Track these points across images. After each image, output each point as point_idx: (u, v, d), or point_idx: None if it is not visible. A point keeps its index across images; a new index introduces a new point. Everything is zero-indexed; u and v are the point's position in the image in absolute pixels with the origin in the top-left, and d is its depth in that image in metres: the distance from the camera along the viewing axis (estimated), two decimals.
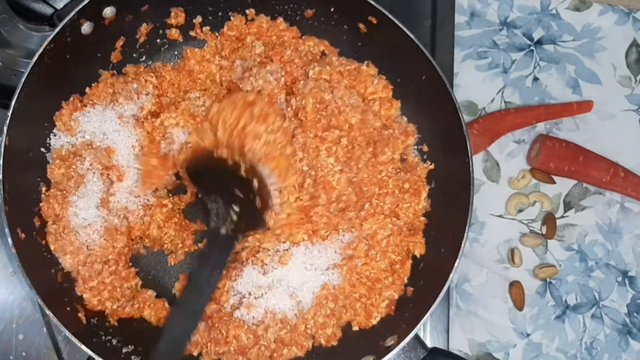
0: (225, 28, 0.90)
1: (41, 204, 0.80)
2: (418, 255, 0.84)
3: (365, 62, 0.88)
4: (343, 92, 0.85)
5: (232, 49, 0.90)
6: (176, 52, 0.91)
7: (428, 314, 0.76)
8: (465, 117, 0.94)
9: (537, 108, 1.02)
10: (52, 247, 0.79)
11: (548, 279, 0.98)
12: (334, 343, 0.82)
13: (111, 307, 0.79)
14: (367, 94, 0.87)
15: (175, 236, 0.85)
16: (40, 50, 0.75)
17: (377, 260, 0.84)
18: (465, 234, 0.78)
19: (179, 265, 0.86)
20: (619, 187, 1.00)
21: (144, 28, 0.87)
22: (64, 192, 0.80)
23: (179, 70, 0.89)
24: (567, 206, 1.01)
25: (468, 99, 1.03)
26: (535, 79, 1.05)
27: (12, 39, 0.89)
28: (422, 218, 0.85)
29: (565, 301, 0.98)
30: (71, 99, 0.83)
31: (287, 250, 0.83)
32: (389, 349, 0.76)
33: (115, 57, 0.86)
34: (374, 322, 0.82)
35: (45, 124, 0.81)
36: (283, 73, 0.85)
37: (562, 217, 1.00)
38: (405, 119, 0.89)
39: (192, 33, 0.90)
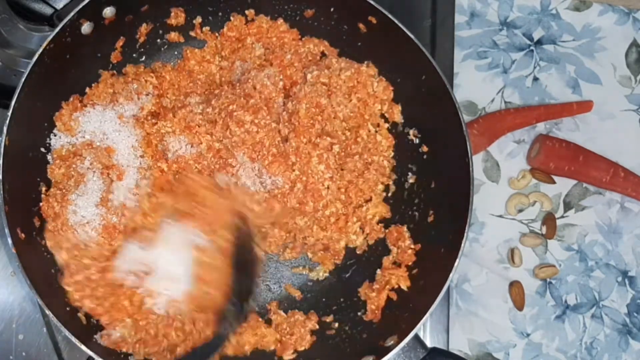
0: (225, 28, 0.90)
1: (41, 203, 0.79)
2: (405, 288, 0.84)
3: (365, 62, 0.88)
4: (341, 99, 0.85)
5: (232, 50, 0.90)
6: (176, 52, 0.91)
7: (428, 314, 0.76)
8: (465, 117, 0.94)
9: (537, 108, 1.02)
10: (48, 243, 0.78)
11: (548, 279, 0.98)
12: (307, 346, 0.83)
13: (88, 306, 0.78)
14: (367, 98, 0.87)
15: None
16: (40, 50, 0.75)
17: None
18: (465, 234, 0.78)
19: None
20: (619, 187, 1.00)
21: (144, 28, 0.87)
22: (64, 190, 0.80)
23: (178, 70, 0.89)
24: (567, 206, 1.01)
25: (468, 99, 1.03)
26: (535, 79, 1.05)
27: (12, 39, 0.89)
28: (410, 251, 0.85)
29: (565, 301, 0.98)
30: (71, 99, 0.83)
31: None
32: (388, 349, 0.76)
33: (115, 57, 0.86)
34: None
35: (45, 124, 0.81)
36: (281, 77, 0.85)
37: (562, 217, 1.01)
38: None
39: (192, 33, 0.90)
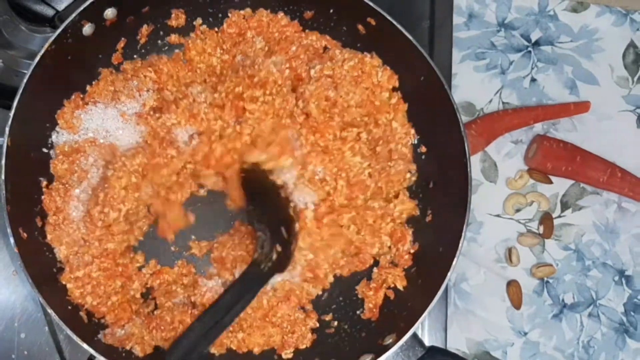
0: (225, 25, 0.90)
1: (43, 197, 0.80)
2: (401, 288, 0.85)
3: (369, 54, 0.87)
4: (348, 88, 0.85)
5: (233, 43, 0.90)
6: (177, 51, 0.91)
7: (426, 313, 0.76)
8: (464, 118, 0.94)
9: (535, 109, 1.02)
10: (48, 237, 0.79)
11: (545, 278, 0.99)
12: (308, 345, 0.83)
13: (90, 303, 0.79)
14: (373, 87, 0.88)
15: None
16: (42, 51, 0.76)
17: None
18: (463, 234, 0.78)
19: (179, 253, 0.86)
20: (616, 187, 1.01)
21: (145, 29, 0.87)
22: (67, 185, 0.80)
23: (175, 60, 0.89)
24: (564, 206, 1.01)
25: (466, 99, 1.03)
26: (533, 79, 1.05)
27: (13, 40, 0.89)
28: (407, 256, 0.86)
29: (563, 300, 0.98)
30: (72, 96, 0.83)
31: None
32: (387, 348, 0.76)
33: (116, 58, 0.86)
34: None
35: (47, 125, 0.82)
36: (287, 65, 0.85)
37: (559, 216, 1.01)
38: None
39: (192, 35, 0.90)
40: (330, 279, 0.86)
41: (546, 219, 1.00)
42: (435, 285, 0.77)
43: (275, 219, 0.80)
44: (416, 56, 0.83)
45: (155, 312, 0.82)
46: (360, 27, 0.87)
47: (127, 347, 0.78)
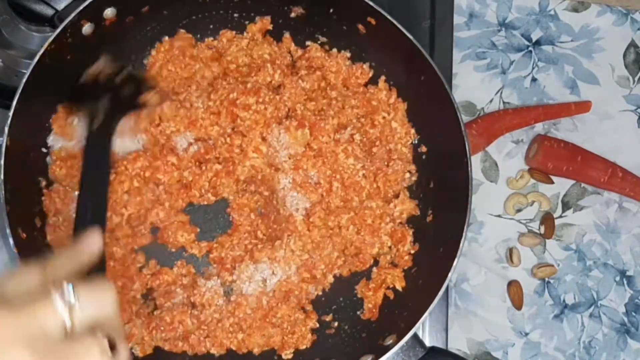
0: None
1: (43, 198, 0.80)
2: (400, 289, 0.85)
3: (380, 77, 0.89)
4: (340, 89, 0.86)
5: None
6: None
7: (427, 313, 0.76)
8: (464, 118, 0.94)
9: (536, 108, 1.02)
10: (48, 238, 0.79)
11: (546, 279, 0.98)
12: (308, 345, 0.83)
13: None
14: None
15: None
16: (42, 51, 0.75)
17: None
18: (464, 234, 0.78)
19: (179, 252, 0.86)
20: (617, 187, 1.01)
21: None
22: (67, 187, 0.80)
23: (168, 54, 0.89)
24: (566, 206, 1.01)
25: (467, 99, 1.03)
26: (534, 79, 1.05)
27: (13, 39, 0.89)
28: (407, 257, 0.85)
29: (564, 300, 0.98)
30: (65, 101, 0.82)
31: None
32: (387, 348, 0.76)
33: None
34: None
35: (47, 125, 0.82)
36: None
37: (561, 216, 1.01)
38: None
39: None
40: (330, 279, 0.86)
41: (547, 219, 0.99)
42: (436, 285, 0.77)
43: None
44: (416, 56, 0.83)
45: (154, 313, 0.82)
46: (360, 27, 0.87)
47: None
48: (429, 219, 0.86)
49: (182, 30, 0.89)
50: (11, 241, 0.72)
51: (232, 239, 0.86)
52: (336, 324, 0.86)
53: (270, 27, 0.90)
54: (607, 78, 1.06)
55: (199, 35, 0.90)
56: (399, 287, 0.84)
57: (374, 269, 0.86)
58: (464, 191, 0.80)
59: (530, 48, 1.06)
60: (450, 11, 1.02)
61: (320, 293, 0.86)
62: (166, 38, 0.89)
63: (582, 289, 0.99)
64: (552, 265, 0.98)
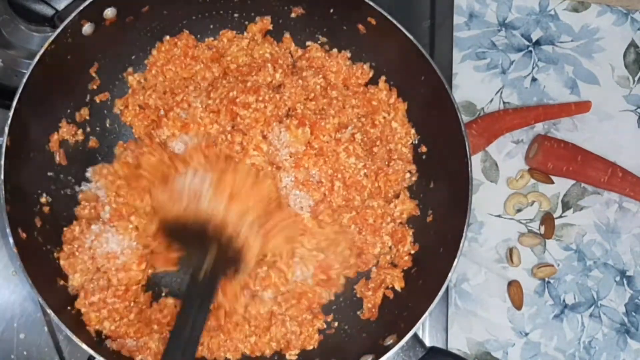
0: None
1: (65, 229, 0.80)
2: (399, 289, 0.85)
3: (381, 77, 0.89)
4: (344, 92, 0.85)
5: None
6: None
7: (427, 313, 0.76)
8: (464, 118, 0.94)
9: (536, 108, 1.02)
10: (62, 263, 0.79)
11: (546, 279, 0.98)
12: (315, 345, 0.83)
13: (109, 328, 0.78)
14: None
15: None
16: (42, 51, 0.75)
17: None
18: (464, 234, 0.78)
19: None
20: (617, 187, 1.01)
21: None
22: (90, 221, 0.81)
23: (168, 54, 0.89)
24: (566, 206, 1.01)
25: (467, 99, 1.03)
26: (534, 79, 1.05)
27: (13, 39, 0.89)
28: (407, 258, 0.86)
29: (564, 300, 0.98)
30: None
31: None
32: (388, 348, 0.76)
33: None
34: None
35: (47, 125, 0.82)
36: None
37: (561, 216, 1.01)
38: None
39: None
40: (342, 280, 0.86)
41: (547, 219, 0.99)
42: (436, 285, 0.77)
43: (197, 239, 0.80)
44: (417, 56, 0.83)
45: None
46: (360, 26, 0.87)
47: (136, 359, 0.78)
48: (429, 219, 0.86)
49: (184, 30, 0.89)
50: (11, 241, 0.72)
51: None
52: (336, 324, 0.86)
53: (270, 27, 0.90)
54: (607, 78, 1.06)
55: (199, 36, 0.90)
56: (398, 287, 0.84)
57: (374, 269, 0.86)
58: (464, 191, 0.80)
59: (530, 48, 1.06)
60: (450, 11, 1.02)
61: (333, 298, 0.86)
62: (167, 37, 0.89)
63: (582, 289, 0.99)
64: (552, 265, 0.98)
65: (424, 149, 0.88)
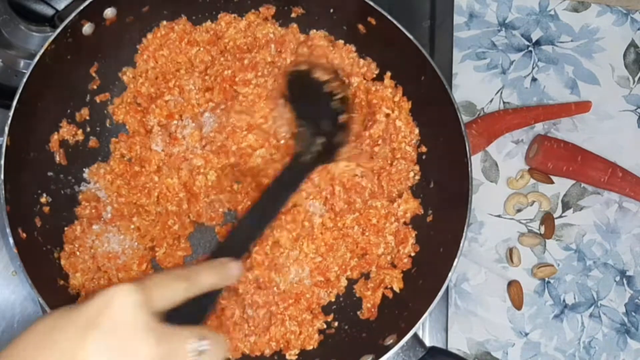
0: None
1: (66, 229, 0.80)
2: (397, 290, 0.85)
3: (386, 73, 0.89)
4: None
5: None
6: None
7: (427, 313, 0.76)
8: (464, 118, 0.94)
9: (536, 108, 1.02)
10: (62, 262, 0.79)
11: (546, 279, 0.98)
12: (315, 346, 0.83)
13: None
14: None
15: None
16: (42, 51, 0.75)
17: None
18: (464, 234, 0.78)
19: None
20: (617, 187, 1.01)
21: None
22: (91, 220, 0.81)
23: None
24: (566, 206, 1.01)
25: (467, 99, 1.03)
26: (534, 79, 1.05)
27: (13, 39, 0.89)
28: (407, 260, 0.85)
29: (564, 300, 0.98)
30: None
31: None
32: (388, 348, 0.76)
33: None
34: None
35: (47, 125, 0.82)
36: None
37: (561, 216, 1.01)
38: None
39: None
40: (344, 282, 0.86)
41: (547, 219, 0.99)
42: (436, 285, 0.77)
43: (317, 113, 0.84)
44: (417, 56, 0.83)
45: None
46: (360, 26, 0.87)
47: None
48: (429, 219, 0.86)
49: (182, 16, 0.89)
50: (11, 241, 0.72)
51: None
52: (336, 323, 0.86)
53: (273, 12, 0.90)
54: (607, 78, 1.06)
55: (194, 18, 0.90)
56: (396, 288, 0.84)
57: (373, 269, 0.86)
58: (464, 191, 0.80)
59: (530, 48, 1.06)
60: (450, 11, 1.02)
61: (333, 299, 0.86)
62: (164, 22, 0.88)
63: (582, 289, 0.99)
64: (552, 265, 0.98)
65: (423, 149, 0.88)
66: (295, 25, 0.90)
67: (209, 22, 0.90)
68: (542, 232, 1.00)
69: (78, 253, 0.79)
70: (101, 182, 0.84)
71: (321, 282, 0.84)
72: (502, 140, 1.02)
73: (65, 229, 0.81)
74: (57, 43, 0.77)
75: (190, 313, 0.62)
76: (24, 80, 0.75)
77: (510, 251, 0.98)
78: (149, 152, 0.85)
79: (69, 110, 0.84)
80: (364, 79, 0.90)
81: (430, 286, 0.78)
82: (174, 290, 0.59)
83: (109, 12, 0.81)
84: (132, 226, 0.81)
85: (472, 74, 1.04)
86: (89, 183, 0.85)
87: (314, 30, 0.90)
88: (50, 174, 0.82)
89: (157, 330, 0.55)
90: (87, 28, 0.80)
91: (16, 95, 0.74)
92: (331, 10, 0.88)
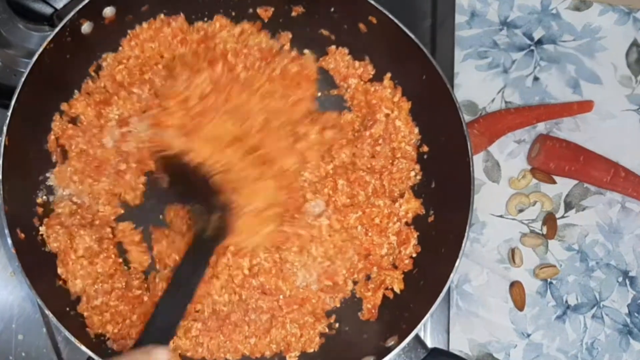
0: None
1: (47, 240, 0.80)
2: (398, 291, 0.84)
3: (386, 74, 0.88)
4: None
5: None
6: None
7: (428, 314, 0.76)
8: (466, 117, 0.93)
9: (538, 108, 1.02)
10: (59, 271, 0.78)
11: (548, 279, 0.98)
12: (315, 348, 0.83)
13: (112, 331, 0.78)
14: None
15: None
16: (40, 50, 0.75)
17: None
18: (466, 234, 0.78)
19: None
20: (619, 187, 1.00)
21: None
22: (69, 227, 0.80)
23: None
24: (568, 206, 1.01)
25: (468, 98, 1.03)
26: (536, 78, 1.05)
27: (12, 38, 0.88)
28: (407, 261, 0.85)
29: (566, 301, 0.98)
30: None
31: None
32: (389, 349, 0.75)
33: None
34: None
35: (46, 124, 0.81)
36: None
37: (563, 217, 1.00)
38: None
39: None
40: (351, 285, 0.85)
41: (549, 219, 0.99)
42: (438, 286, 0.77)
43: (202, 192, 0.79)
44: (418, 55, 0.83)
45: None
46: (361, 25, 0.87)
47: None
48: (430, 219, 0.86)
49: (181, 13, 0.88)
50: (9, 241, 0.72)
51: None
52: (337, 325, 0.85)
53: (270, 14, 0.89)
54: (609, 77, 1.05)
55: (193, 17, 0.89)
56: (397, 289, 0.84)
57: (374, 269, 0.86)
58: (465, 191, 0.79)
59: (532, 47, 1.06)
60: (451, 10, 1.02)
61: (338, 305, 0.86)
62: (162, 16, 0.87)
63: (585, 289, 0.98)
64: (555, 266, 0.98)
65: (425, 148, 0.88)
66: (287, 46, 0.90)
67: (200, 23, 0.89)
68: (545, 232, 0.99)
69: (71, 263, 0.79)
70: (72, 186, 0.82)
71: (328, 287, 0.84)
72: (504, 140, 1.02)
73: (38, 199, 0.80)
74: (55, 42, 0.76)
75: None
76: (23, 79, 0.74)
77: (513, 252, 0.98)
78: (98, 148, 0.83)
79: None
80: (361, 80, 0.89)
81: (431, 287, 0.78)
82: None
83: (108, 11, 0.81)
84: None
85: (474, 73, 1.04)
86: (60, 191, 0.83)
87: (307, 51, 0.90)
88: (48, 174, 0.82)
89: None
90: (86, 27, 0.79)
91: (15, 95, 0.74)
92: (332, 9, 0.87)
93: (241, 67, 0.82)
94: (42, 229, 0.79)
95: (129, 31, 0.86)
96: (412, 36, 0.82)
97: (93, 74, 0.85)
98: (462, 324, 0.95)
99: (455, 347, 0.94)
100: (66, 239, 0.79)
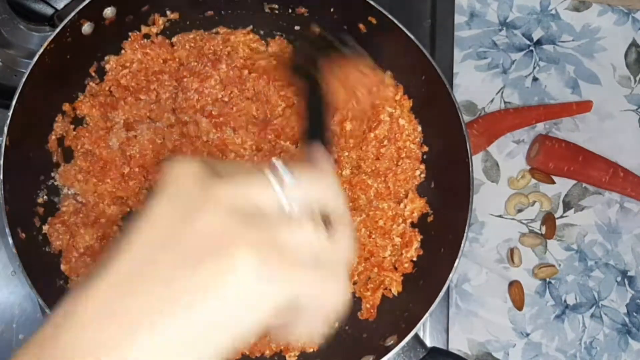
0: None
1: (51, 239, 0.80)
2: (396, 293, 0.84)
3: (387, 72, 0.88)
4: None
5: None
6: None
7: (428, 314, 0.76)
8: (465, 117, 0.93)
9: (537, 108, 1.02)
10: (63, 268, 0.79)
11: (547, 279, 0.98)
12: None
13: None
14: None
15: None
16: (41, 50, 0.75)
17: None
18: (465, 234, 0.78)
19: None
20: (618, 187, 1.00)
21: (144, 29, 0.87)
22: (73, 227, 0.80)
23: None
24: (567, 206, 1.01)
25: (468, 99, 1.03)
26: (535, 79, 1.05)
27: (12, 39, 0.88)
28: (408, 264, 0.85)
29: (565, 301, 0.98)
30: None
31: None
32: (388, 349, 0.75)
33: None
34: None
35: (46, 124, 0.81)
36: None
37: (562, 217, 1.01)
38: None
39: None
40: (351, 289, 0.85)
41: (548, 219, 0.99)
42: (437, 286, 0.77)
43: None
44: (417, 55, 0.83)
45: None
46: (361, 26, 0.87)
47: None
48: (430, 219, 0.86)
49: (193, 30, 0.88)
50: (10, 241, 0.72)
51: None
52: (337, 324, 0.85)
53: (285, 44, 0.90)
54: (608, 78, 1.06)
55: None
56: (395, 291, 0.84)
57: (374, 269, 0.86)
58: (465, 191, 0.80)
59: (531, 47, 1.06)
60: (451, 10, 1.02)
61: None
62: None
63: (584, 289, 0.99)
64: (553, 266, 0.98)
65: (425, 148, 0.88)
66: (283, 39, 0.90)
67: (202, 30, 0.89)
68: (543, 232, 0.99)
69: (74, 260, 0.79)
70: (77, 186, 0.82)
71: None
72: (503, 140, 1.02)
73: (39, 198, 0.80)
74: (56, 42, 0.76)
75: None
76: (23, 79, 0.74)
77: (512, 251, 0.98)
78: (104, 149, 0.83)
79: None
80: None
81: (431, 287, 0.78)
82: None
83: (109, 12, 0.81)
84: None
85: (473, 73, 1.04)
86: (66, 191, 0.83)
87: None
88: (49, 174, 0.82)
89: None
90: (87, 27, 0.79)
91: (15, 95, 0.74)
92: (332, 10, 0.87)
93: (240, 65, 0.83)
94: (45, 227, 0.79)
95: (130, 33, 0.86)
96: (412, 36, 0.82)
97: (94, 74, 0.85)
98: (461, 324, 0.96)
99: (454, 347, 0.94)
100: (67, 237, 0.79)
